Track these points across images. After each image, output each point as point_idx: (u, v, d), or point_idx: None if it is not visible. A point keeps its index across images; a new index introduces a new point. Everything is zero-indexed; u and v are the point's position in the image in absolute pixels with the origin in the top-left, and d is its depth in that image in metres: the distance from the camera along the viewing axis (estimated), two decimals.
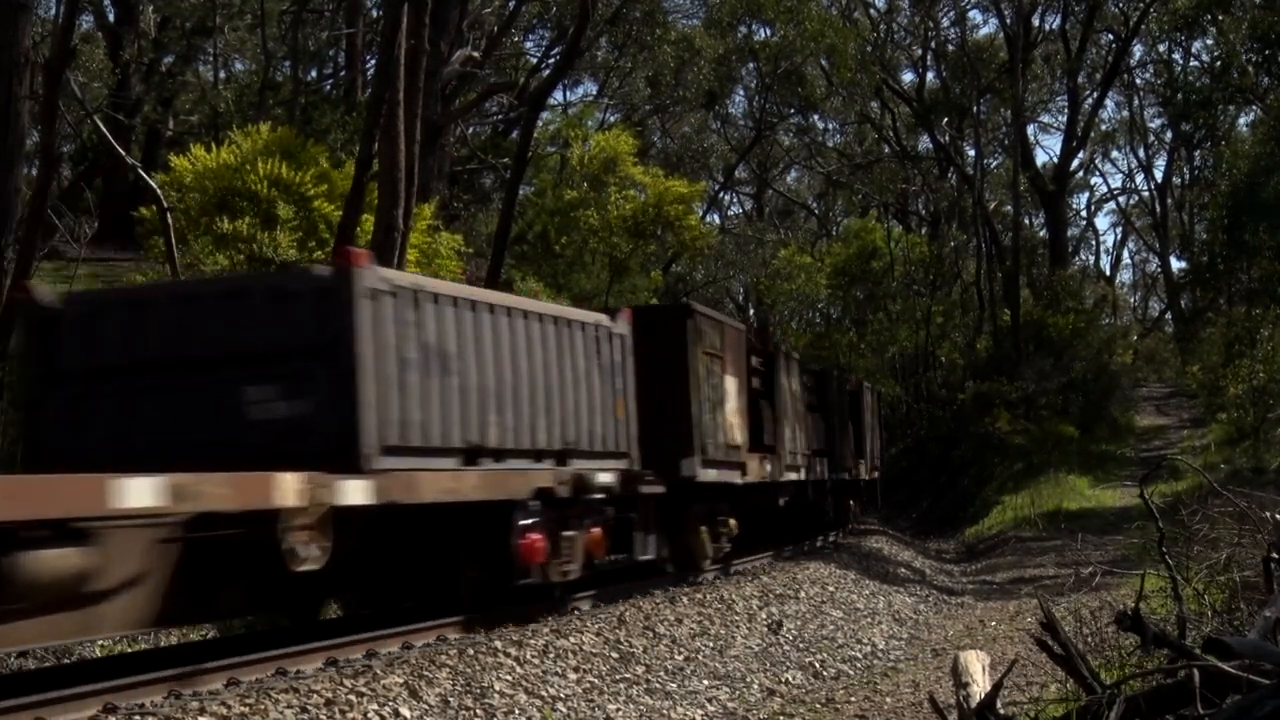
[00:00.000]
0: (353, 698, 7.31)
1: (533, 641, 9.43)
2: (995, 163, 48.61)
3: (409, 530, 9.96)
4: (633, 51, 34.05)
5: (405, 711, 7.41)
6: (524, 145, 24.97)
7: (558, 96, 38.53)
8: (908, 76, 46.99)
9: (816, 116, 44.98)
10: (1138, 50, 45.58)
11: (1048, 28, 43.78)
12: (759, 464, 16.12)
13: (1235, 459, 24.17)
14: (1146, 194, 59.53)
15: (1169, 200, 53.36)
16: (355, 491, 8.37)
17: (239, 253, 16.00)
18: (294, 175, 17.25)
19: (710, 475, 13.80)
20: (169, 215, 15.78)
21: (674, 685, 9.62)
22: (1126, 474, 29.20)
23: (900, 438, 39.77)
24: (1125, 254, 73.57)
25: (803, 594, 14.56)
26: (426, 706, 7.60)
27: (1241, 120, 36.82)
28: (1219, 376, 28.98)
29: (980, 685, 6.49)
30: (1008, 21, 40.60)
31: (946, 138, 43.01)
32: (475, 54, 27.81)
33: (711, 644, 11.24)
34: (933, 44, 43.93)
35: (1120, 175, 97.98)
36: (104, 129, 19.93)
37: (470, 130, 32.31)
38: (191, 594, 7.92)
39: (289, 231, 16.68)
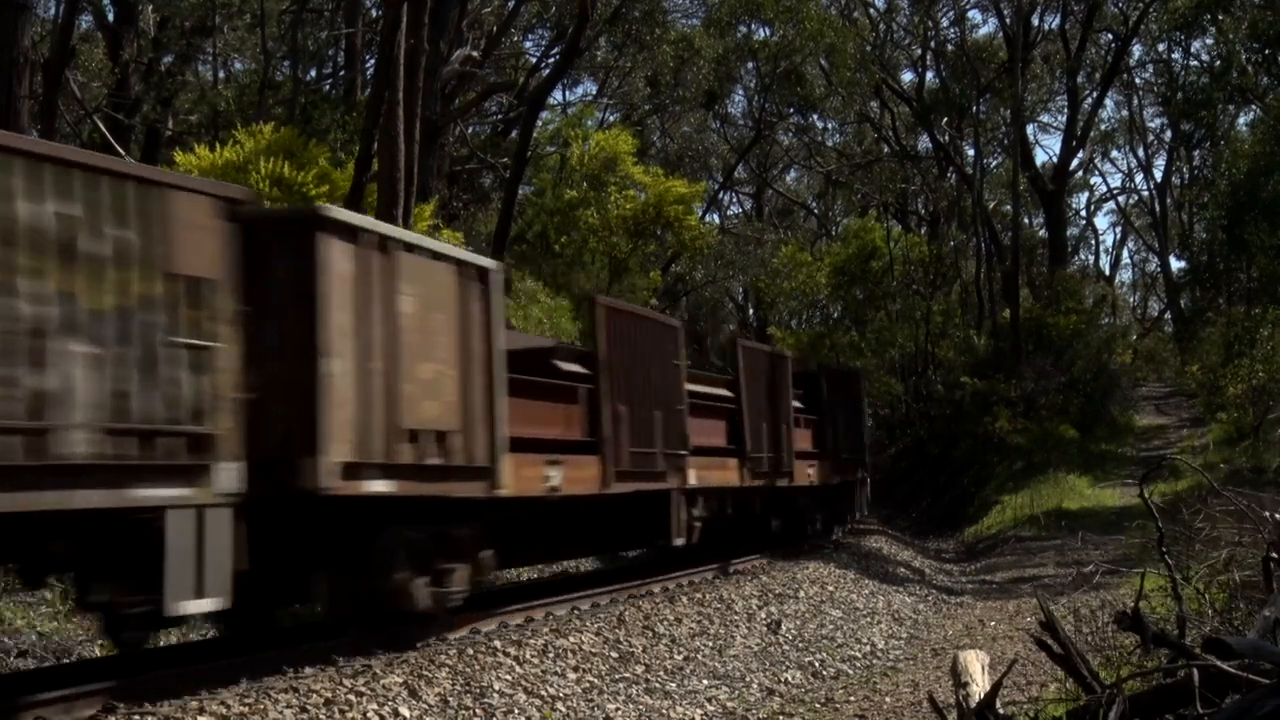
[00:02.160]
0: (352, 697, 7.32)
1: (532, 641, 9.44)
2: (995, 162, 48.63)
3: None
4: (632, 51, 34.02)
5: (405, 711, 7.41)
6: (524, 145, 24.99)
7: (557, 96, 38.57)
8: (907, 76, 47.02)
9: (816, 116, 44.96)
10: (1137, 50, 45.63)
11: (1047, 28, 43.81)
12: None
13: (1235, 459, 24.16)
14: (1146, 194, 59.63)
15: (1169, 200, 53.38)
16: None
17: None
18: (296, 175, 17.25)
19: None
20: None
21: (673, 685, 9.62)
22: (1126, 473, 29.18)
23: (900, 437, 39.76)
24: (1125, 254, 73.75)
25: (802, 594, 14.57)
26: (426, 706, 7.61)
27: (1241, 120, 36.87)
28: (1219, 376, 28.96)
29: (980, 685, 6.49)
30: (1007, 21, 40.59)
31: (946, 137, 43.00)
32: (475, 54, 27.80)
33: (711, 644, 11.25)
34: (932, 44, 43.91)
35: (1120, 175, 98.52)
36: (104, 128, 19.94)
37: (470, 130, 32.30)
38: None
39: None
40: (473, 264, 9.79)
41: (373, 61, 27.39)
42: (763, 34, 40.29)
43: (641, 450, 12.35)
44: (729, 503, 15.80)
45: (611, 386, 11.87)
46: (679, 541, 13.49)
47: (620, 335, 12.17)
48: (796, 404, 18.53)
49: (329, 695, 7.23)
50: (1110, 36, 43.79)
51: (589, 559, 16.70)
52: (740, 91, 45.61)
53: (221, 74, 30.19)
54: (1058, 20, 43.07)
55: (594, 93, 41.01)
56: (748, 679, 10.24)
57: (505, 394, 9.73)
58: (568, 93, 43.06)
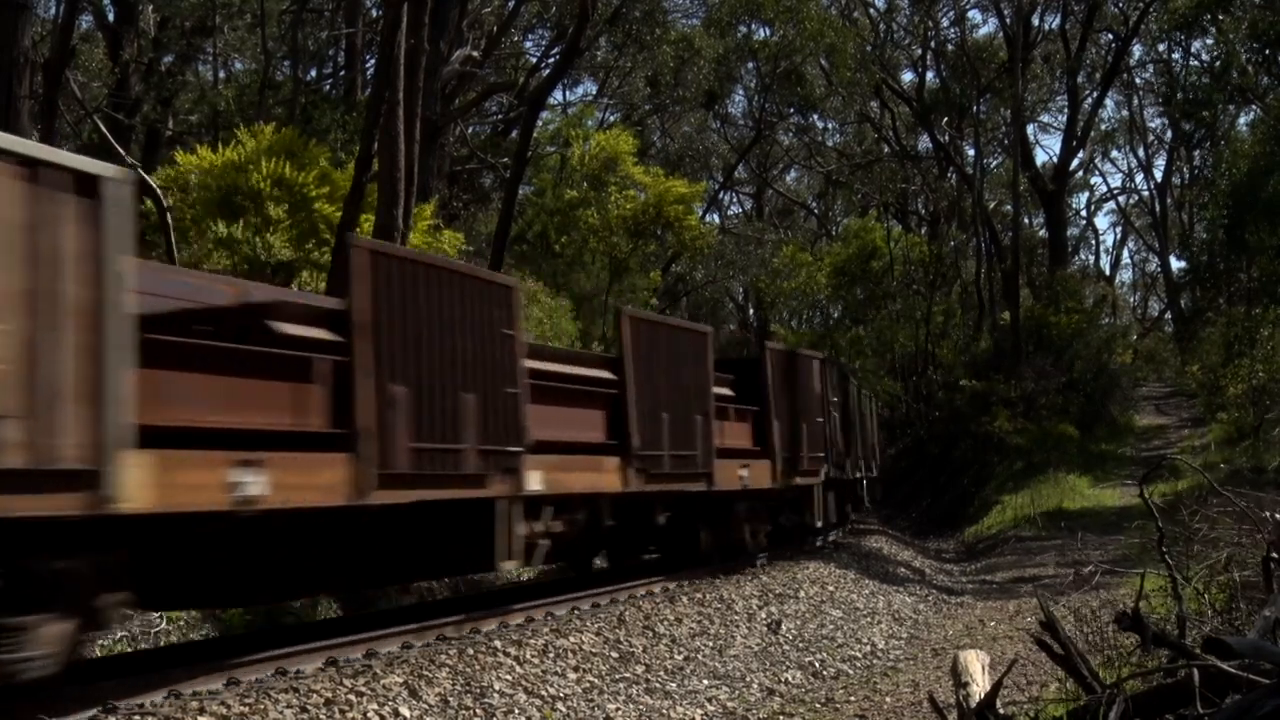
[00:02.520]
0: (352, 697, 7.32)
1: (532, 641, 9.44)
2: (995, 162, 48.71)
3: None
4: (632, 51, 34.06)
5: (405, 711, 7.41)
6: (524, 145, 24.98)
7: (557, 96, 38.65)
8: (907, 76, 47.10)
9: (816, 116, 45.06)
10: (1137, 50, 45.72)
11: (1047, 27, 43.87)
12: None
13: (1235, 458, 24.16)
14: (1146, 194, 59.73)
15: (1169, 200, 53.44)
16: None
17: (235, 255, 16.00)
18: (296, 176, 17.25)
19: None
20: (169, 214, 15.82)
21: (674, 685, 9.62)
22: (1126, 473, 29.21)
23: (900, 437, 39.81)
24: (1125, 254, 73.89)
25: (802, 593, 14.57)
26: (426, 706, 7.61)
27: (1241, 120, 36.90)
28: (1219, 376, 28.99)
29: (980, 685, 6.50)
30: (1007, 21, 40.64)
31: (946, 137, 43.03)
32: (475, 53, 27.82)
33: (711, 643, 11.25)
34: (932, 44, 43.98)
35: (1120, 175, 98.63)
36: (104, 129, 19.94)
37: (470, 130, 32.32)
38: None
39: (283, 232, 16.61)
40: (64, 168, 6.21)
41: (373, 61, 27.44)
42: (763, 34, 40.39)
43: (436, 446, 8.99)
44: (606, 513, 12.33)
45: (379, 359, 8.42)
46: (509, 566, 10.32)
47: (397, 291, 8.75)
48: (723, 391, 15.32)
49: (329, 695, 7.24)
50: (1110, 36, 43.86)
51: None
52: (740, 91, 45.72)
53: (221, 74, 30.23)
54: (1058, 20, 43.17)
55: (594, 93, 41.09)
56: (748, 679, 10.25)
57: (129, 363, 6.42)
58: (568, 93, 43.17)
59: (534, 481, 10.29)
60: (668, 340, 13.62)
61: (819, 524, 18.80)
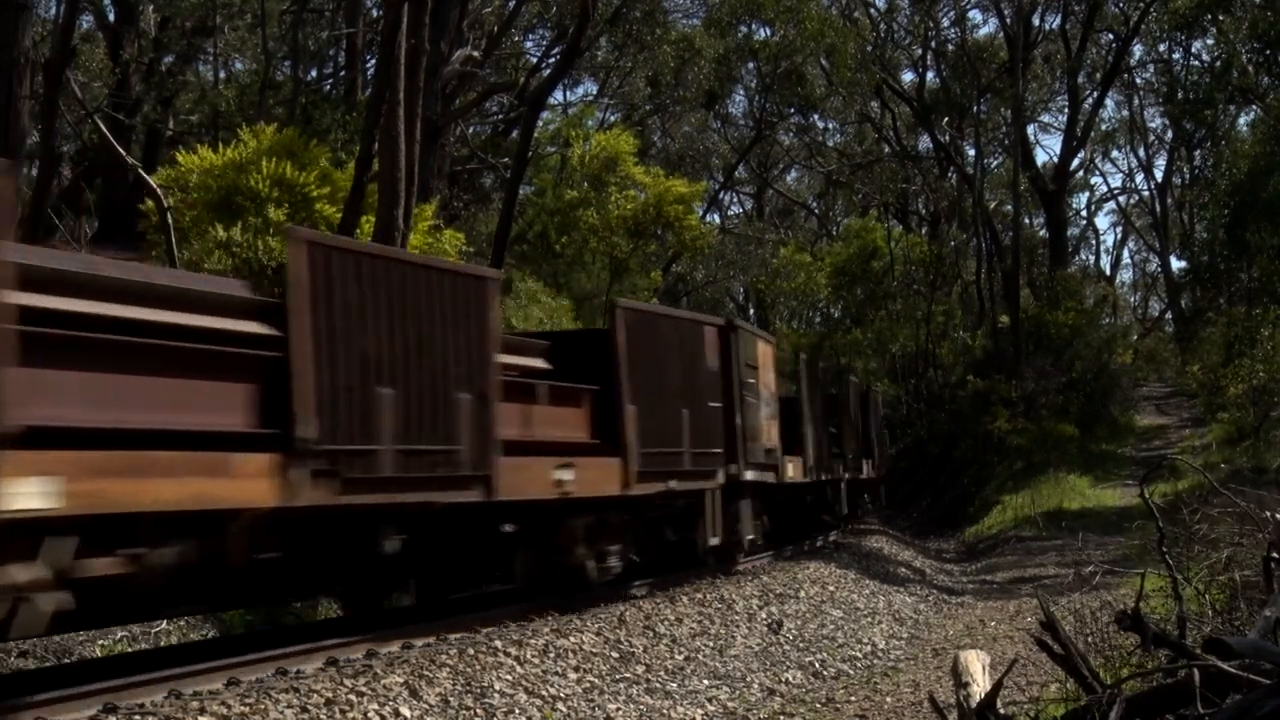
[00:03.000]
0: (353, 697, 7.31)
1: (533, 641, 9.43)
2: (995, 162, 48.71)
3: None
4: (633, 51, 34.08)
5: (405, 711, 7.41)
6: (524, 145, 25.00)
7: (558, 96, 38.67)
8: (908, 76, 47.09)
9: (816, 116, 45.07)
10: (1138, 50, 45.73)
11: (1048, 27, 43.88)
12: None
13: (1235, 458, 24.17)
14: (1146, 194, 59.75)
15: (1169, 200, 53.44)
16: None
17: (235, 258, 15.96)
18: (296, 176, 17.24)
19: None
20: (170, 214, 15.82)
21: (674, 685, 9.62)
22: (1127, 473, 29.23)
23: (900, 437, 39.84)
24: (1125, 254, 73.94)
25: (803, 594, 14.57)
26: (427, 706, 7.61)
27: (1242, 120, 36.92)
28: (1219, 376, 29.01)
29: (980, 685, 6.50)
30: (1008, 21, 40.65)
31: (946, 137, 43.04)
32: (475, 54, 27.83)
33: (711, 644, 11.25)
34: (933, 44, 43.98)
35: (1120, 175, 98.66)
36: (104, 129, 19.96)
37: (470, 130, 32.33)
38: None
39: (284, 235, 16.53)
40: None
41: (373, 61, 27.44)
42: (763, 34, 40.41)
43: None
44: (249, 540, 7.81)
45: None
46: None
47: None
48: (527, 363, 11.19)
49: (330, 695, 7.23)
50: (1111, 36, 43.87)
51: None
52: (741, 91, 45.73)
53: (222, 74, 30.23)
54: (1058, 20, 43.19)
55: (594, 93, 41.09)
56: (748, 679, 10.25)
57: None
58: (568, 93, 43.19)
59: (26, 495, 6.12)
60: (400, 284, 8.86)
61: (715, 542, 13.99)
